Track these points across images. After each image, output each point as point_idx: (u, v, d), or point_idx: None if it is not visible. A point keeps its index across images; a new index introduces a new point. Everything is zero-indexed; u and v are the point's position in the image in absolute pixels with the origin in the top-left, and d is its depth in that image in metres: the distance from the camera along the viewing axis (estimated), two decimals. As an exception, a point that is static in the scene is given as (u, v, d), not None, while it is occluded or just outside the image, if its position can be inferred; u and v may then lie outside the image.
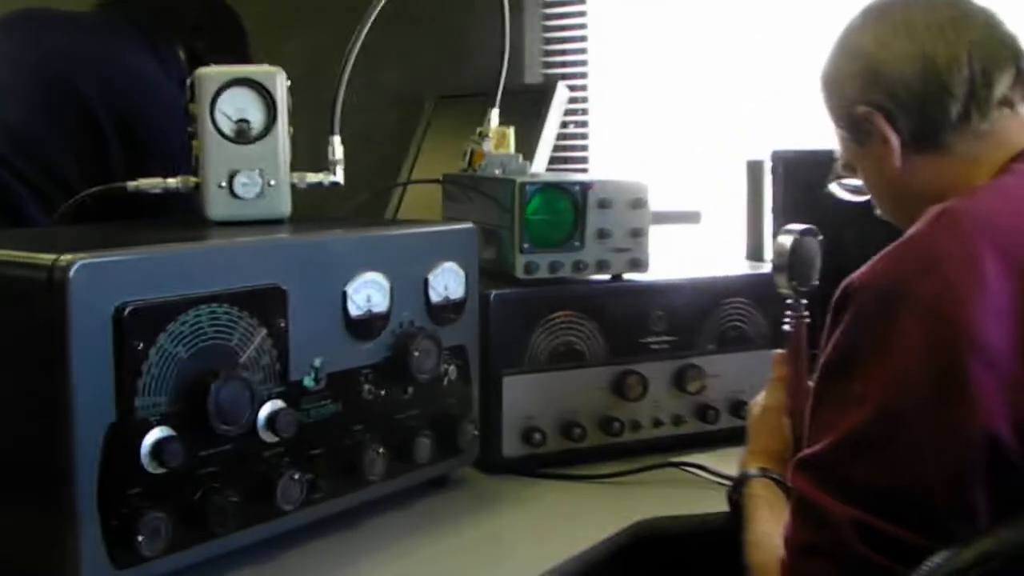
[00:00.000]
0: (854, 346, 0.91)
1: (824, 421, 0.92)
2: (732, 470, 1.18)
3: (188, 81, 1.17)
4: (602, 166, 2.32)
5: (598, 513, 1.18)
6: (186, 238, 1.01)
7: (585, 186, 1.32)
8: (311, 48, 2.38)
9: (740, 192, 1.72)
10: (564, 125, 2.23)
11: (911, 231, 0.95)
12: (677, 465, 1.30)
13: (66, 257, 0.85)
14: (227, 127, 1.15)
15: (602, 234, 1.32)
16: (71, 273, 0.85)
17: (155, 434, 0.89)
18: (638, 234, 1.34)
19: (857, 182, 1.13)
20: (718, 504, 1.15)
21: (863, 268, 0.93)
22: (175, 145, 1.51)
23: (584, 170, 2.33)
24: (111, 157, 1.54)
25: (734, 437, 1.34)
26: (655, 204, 1.36)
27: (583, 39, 2.34)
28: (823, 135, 1.15)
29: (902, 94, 1.01)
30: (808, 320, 1.19)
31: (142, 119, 1.55)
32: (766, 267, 1.55)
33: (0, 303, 0.90)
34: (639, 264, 1.34)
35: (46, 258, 0.86)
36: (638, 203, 1.34)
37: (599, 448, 1.32)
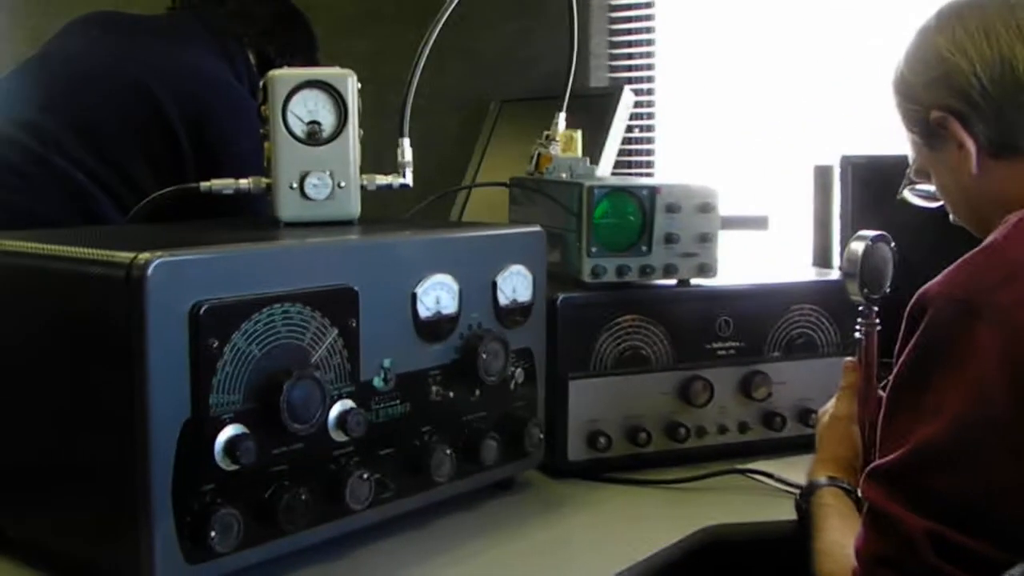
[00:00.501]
0: (929, 356, 0.90)
1: (897, 431, 0.90)
2: (798, 478, 1.17)
3: (260, 83, 1.19)
4: (668, 170, 2.31)
5: (663, 519, 1.17)
6: (259, 238, 1.03)
7: (653, 190, 1.31)
8: (372, 50, 2.40)
9: (808, 197, 1.70)
10: (630, 129, 2.23)
11: (989, 239, 0.93)
12: (743, 472, 1.29)
13: (144, 255, 0.87)
14: (299, 129, 1.17)
15: (670, 239, 1.32)
16: (149, 271, 0.86)
17: (229, 431, 0.91)
18: (706, 239, 1.33)
19: (930, 188, 1.12)
20: (784, 512, 1.14)
21: (939, 277, 0.92)
22: (245, 147, 1.54)
23: (650, 174, 2.33)
24: (182, 158, 1.56)
25: (800, 445, 1.33)
26: (723, 209, 1.35)
27: (650, 42, 2.33)
28: (894, 139, 1.14)
29: (978, 98, 0.99)
30: (879, 328, 1.18)
31: (213, 121, 1.58)
32: (834, 273, 1.54)
33: (77, 300, 0.93)
34: (707, 269, 1.34)
35: (124, 256, 0.88)
36: (707, 207, 1.33)
37: (664, 453, 1.32)
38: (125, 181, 1.54)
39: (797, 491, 1.13)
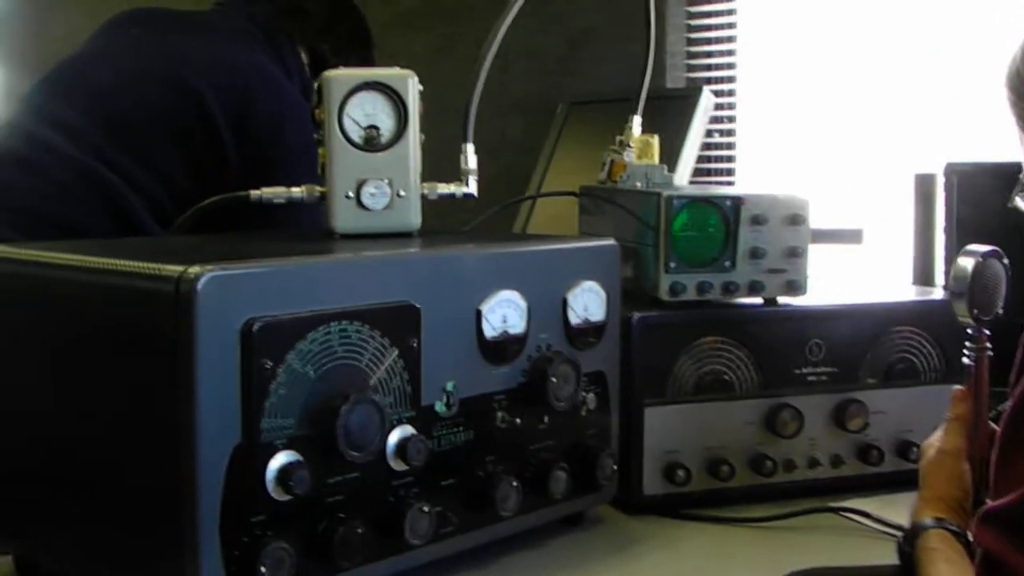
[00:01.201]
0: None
1: (1016, 471, 0.89)
2: (899, 518, 1.15)
3: (315, 85, 1.21)
4: (750, 178, 2.30)
5: (748, 560, 1.16)
6: (314, 251, 1.04)
7: (737, 200, 1.31)
8: (431, 48, 2.42)
9: (907, 209, 1.69)
10: (709, 134, 2.22)
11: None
12: (836, 510, 1.27)
13: (194, 268, 0.88)
14: (355, 134, 1.18)
15: (755, 253, 1.31)
16: (200, 285, 0.87)
17: (281, 458, 0.92)
18: (795, 254, 1.32)
19: (1048, 198, 1.10)
20: (884, 555, 1.13)
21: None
22: (296, 153, 1.56)
23: (730, 183, 2.32)
24: (228, 164, 1.59)
25: (900, 481, 1.31)
26: (813, 221, 1.34)
27: (731, 39, 2.33)
28: (1005, 143, 1.12)
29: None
30: (991, 353, 1.16)
31: (261, 126, 1.60)
32: (937, 292, 1.52)
33: (121, 317, 0.94)
34: (796, 287, 1.33)
35: (173, 269, 0.89)
36: (796, 220, 1.32)
37: (748, 489, 1.31)
38: (167, 188, 1.57)
39: (899, 533, 1.11)
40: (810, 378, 1.33)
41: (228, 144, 1.58)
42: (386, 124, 1.18)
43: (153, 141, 1.58)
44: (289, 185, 1.24)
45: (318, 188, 1.21)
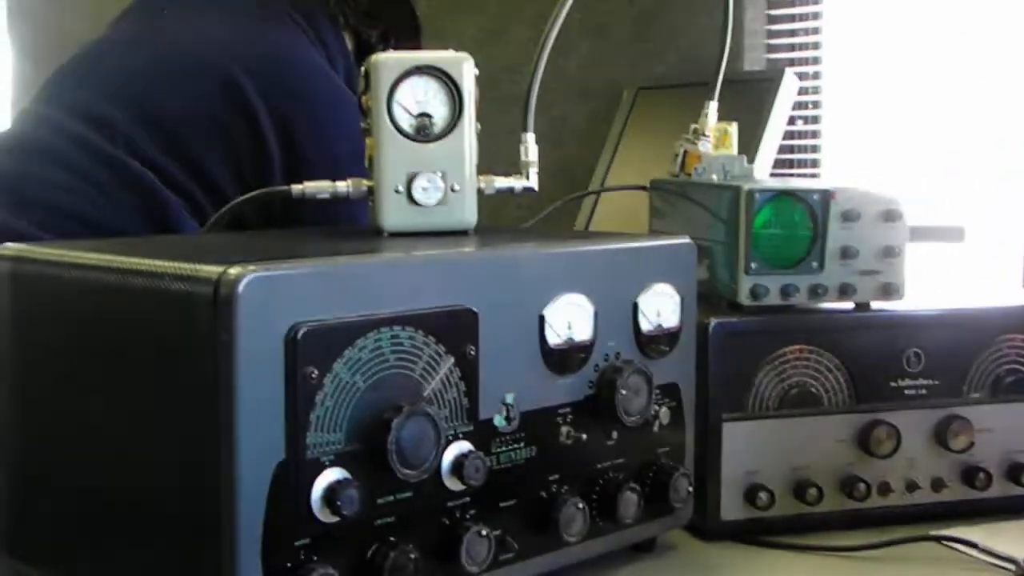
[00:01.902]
0: None
1: None
2: (1010, 548, 1.15)
3: (361, 70, 1.22)
4: (838, 171, 2.29)
5: (839, 593, 1.16)
6: (362, 250, 1.05)
7: (827, 195, 1.30)
8: (483, 30, 2.44)
9: (1016, 205, 1.67)
10: (792, 121, 2.22)
11: None
12: (938, 539, 1.26)
13: (235, 270, 0.89)
14: (406, 122, 1.19)
15: (846, 253, 1.31)
16: (240, 288, 0.88)
17: (328, 476, 0.93)
18: (891, 253, 1.32)
19: None
20: (993, 589, 1.12)
21: None
22: (344, 149, 1.58)
23: (816, 175, 2.31)
24: (269, 159, 1.61)
25: (1009, 508, 1.30)
26: (910, 217, 1.34)
27: (816, 16, 2.32)
28: None
29: None
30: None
31: (304, 117, 1.62)
32: (1052, 297, 1.51)
33: (155, 321, 0.96)
34: (892, 290, 1.32)
35: (211, 270, 0.90)
36: (892, 215, 1.32)
37: (839, 514, 1.30)
38: (204, 184, 1.60)
39: (1011, 565, 1.11)
40: (908, 391, 1.33)
41: (272, 147, 1.60)
42: (439, 112, 1.19)
43: (191, 135, 1.60)
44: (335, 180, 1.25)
45: (365, 182, 1.23)
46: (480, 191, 1.23)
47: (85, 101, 1.65)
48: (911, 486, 1.33)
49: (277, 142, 1.60)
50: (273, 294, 0.90)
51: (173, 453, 0.94)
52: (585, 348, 1.12)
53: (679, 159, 1.52)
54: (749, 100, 2.05)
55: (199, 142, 1.61)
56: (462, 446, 1.01)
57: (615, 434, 1.15)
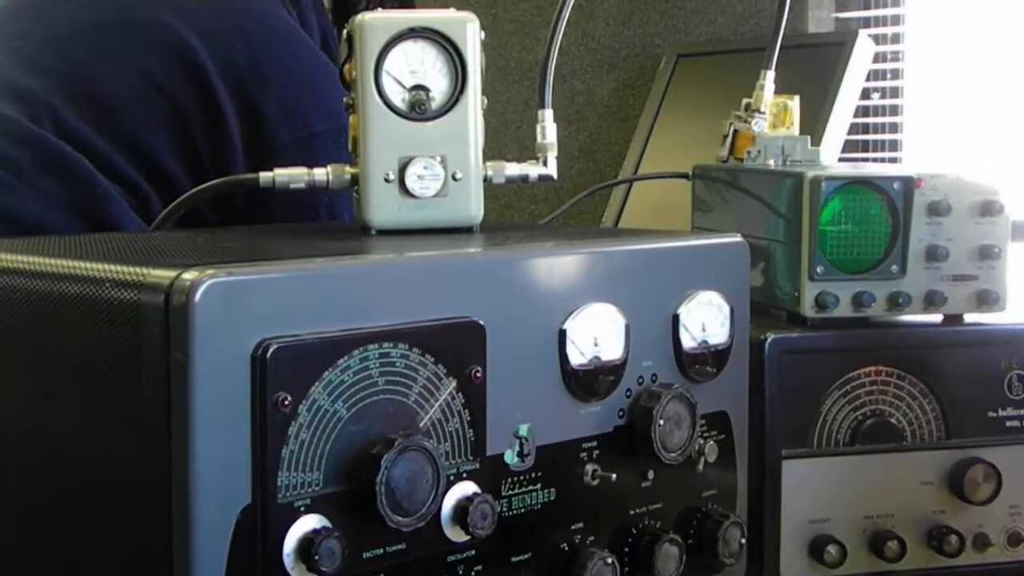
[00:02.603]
0: None
1: None
2: None
3: (344, 34, 1.22)
4: (922, 155, 2.29)
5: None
6: (345, 252, 1.06)
7: (909, 183, 1.31)
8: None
9: None
10: (866, 94, 2.22)
11: None
12: (1047, 602, 1.27)
13: (191, 274, 0.90)
14: (397, 97, 1.20)
15: (933, 254, 1.31)
16: (197, 296, 0.89)
17: (304, 525, 0.93)
18: (989, 255, 1.32)
19: None
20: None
21: None
22: (318, 123, 1.58)
23: (896, 159, 2.31)
24: (228, 139, 1.61)
25: None
26: (1012, 211, 1.34)
27: (895, -32, 2.33)
28: None
29: None
30: None
31: (270, 88, 1.62)
32: None
33: (92, 337, 0.96)
34: (990, 300, 1.33)
35: (162, 275, 0.91)
36: (989, 209, 1.32)
37: (924, 572, 1.31)
38: (150, 172, 1.60)
39: None
40: (1010, 423, 1.33)
41: (229, 117, 1.60)
42: (438, 84, 1.20)
43: (130, 111, 1.60)
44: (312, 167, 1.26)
45: (348, 169, 1.23)
46: (487, 180, 1.24)
47: (2, 68, 1.66)
48: (1014, 539, 1.33)
49: (238, 119, 1.60)
50: (237, 304, 0.91)
51: (115, 496, 0.94)
52: (615, 369, 1.12)
53: (728, 141, 1.53)
54: (814, 69, 2.06)
55: (141, 119, 1.60)
56: (466, 488, 1.02)
57: (651, 474, 1.15)
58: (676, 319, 1.17)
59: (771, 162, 1.44)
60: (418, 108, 1.19)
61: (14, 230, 1.53)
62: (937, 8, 2.30)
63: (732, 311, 1.21)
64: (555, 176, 1.29)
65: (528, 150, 1.29)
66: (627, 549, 1.14)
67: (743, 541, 1.21)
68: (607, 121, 2.45)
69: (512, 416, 1.06)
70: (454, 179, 1.20)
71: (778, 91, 1.54)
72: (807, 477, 1.28)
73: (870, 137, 2.34)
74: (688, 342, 1.18)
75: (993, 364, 1.33)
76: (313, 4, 1.77)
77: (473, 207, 1.22)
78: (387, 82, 1.19)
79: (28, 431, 1.02)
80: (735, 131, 1.53)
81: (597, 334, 1.11)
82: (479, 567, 1.03)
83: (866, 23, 2.33)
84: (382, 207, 1.20)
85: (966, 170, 1.33)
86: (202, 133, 1.61)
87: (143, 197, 1.61)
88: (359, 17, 1.20)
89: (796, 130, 1.53)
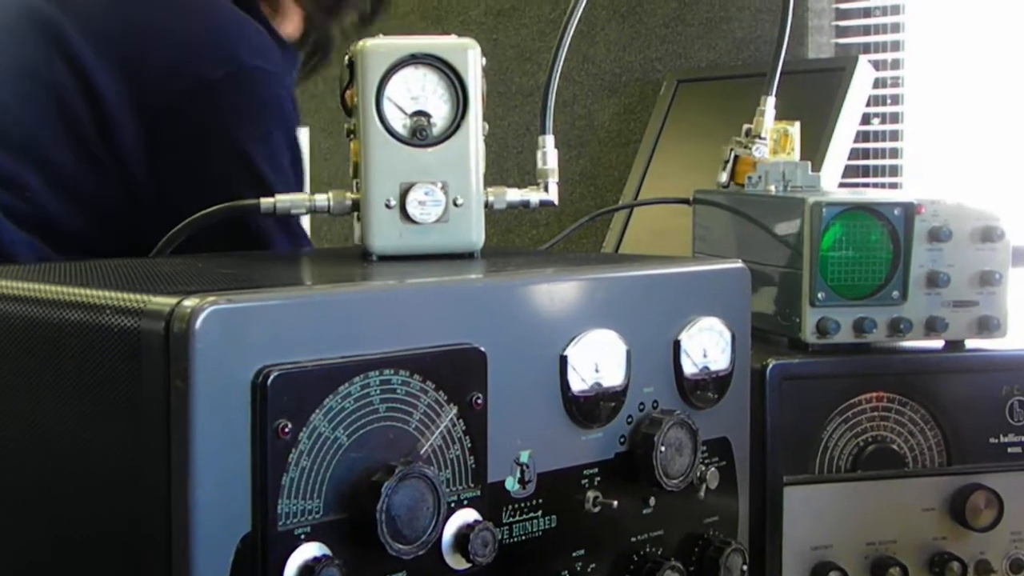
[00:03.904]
0: None
1: None
2: None
3: (346, 59, 1.22)
4: (922, 180, 2.30)
5: None
6: (345, 277, 1.06)
7: (910, 209, 1.31)
8: (491, 11, 2.45)
9: None
10: (866, 119, 2.22)
11: None
12: (1050, 631, 1.27)
13: (191, 301, 0.89)
14: (399, 122, 1.20)
15: (934, 280, 1.31)
16: (198, 323, 0.88)
17: (304, 553, 0.92)
18: (989, 281, 1.32)
19: None
20: None
21: None
22: (258, 152, 1.52)
23: (894, 185, 2.31)
24: (105, 102, 1.53)
25: None
26: (1012, 237, 1.34)
27: (895, -6, 2.33)
28: None
29: None
30: None
31: (152, 44, 1.56)
32: None
33: (92, 364, 0.96)
34: (991, 325, 1.32)
35: (163, 302, 0.91)
36: (990, 234, 1.32)
37: (927, 600, 1.30)
38: (35, 165, 1.52)
39: None
40: (1012, 449, 1.33)
41: (100, 79, 1.52)
42: (439, 110, 1.20)
43: (17, 110, 1.54)
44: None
45: (349, 194, 1.23)
46: (488, 206, 1.24)
47: None
48: (1016, 565, 1.32)
49: (111, 77, 1.52)
50: (237, 331, 0.90)
51: (115, 525, 0.94)
52: (616, 396, 1.12)
53: (729, 166, 1.53)
54: (814, 94, 2.06)
55: (25, 115, 1.54)
56: (467, 515, 1.01)
57: (653, 501, 1.15)
58: (677, 345, 1.17)
59: (772, 188, 1.44)
60: (419, 134, 1.19)
61: None
62: (937, 34, 2.30)
63: (733, 337, 1.21)
64: (556, 202, 1.29)
65: (529, 175, 1.29)
66: (628, 576, 1.13)
67: (745, 568, 1.21)
68: (608, 146, 2.45)
69: (513, 443, 1.06)
70: (455, 205, 1.20)
71: (778, 116, 1.53)
72: (809, 503, 1.28)
73: (870, 162, 2.34)
74: (689, 368, 1.18)
75: (994, 390, 1.33)
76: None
77: (474, 233, 1.21)
78: (388, 108, 1.19)
79: (27, 458, 1.01)
80: (736, 156, 1.53)
81: (598, 360, 1.11)
82: (480, 595, 1.03)
83: (866, 49, 2.34)
84: (383, 233, 1.19)
85: (967, 196, 1.33)
86: (81, 106, 1.53)
87: (28, 197, 1.53)
88: (360, 43, 1.20)
89: (797, 156, 1.53)
